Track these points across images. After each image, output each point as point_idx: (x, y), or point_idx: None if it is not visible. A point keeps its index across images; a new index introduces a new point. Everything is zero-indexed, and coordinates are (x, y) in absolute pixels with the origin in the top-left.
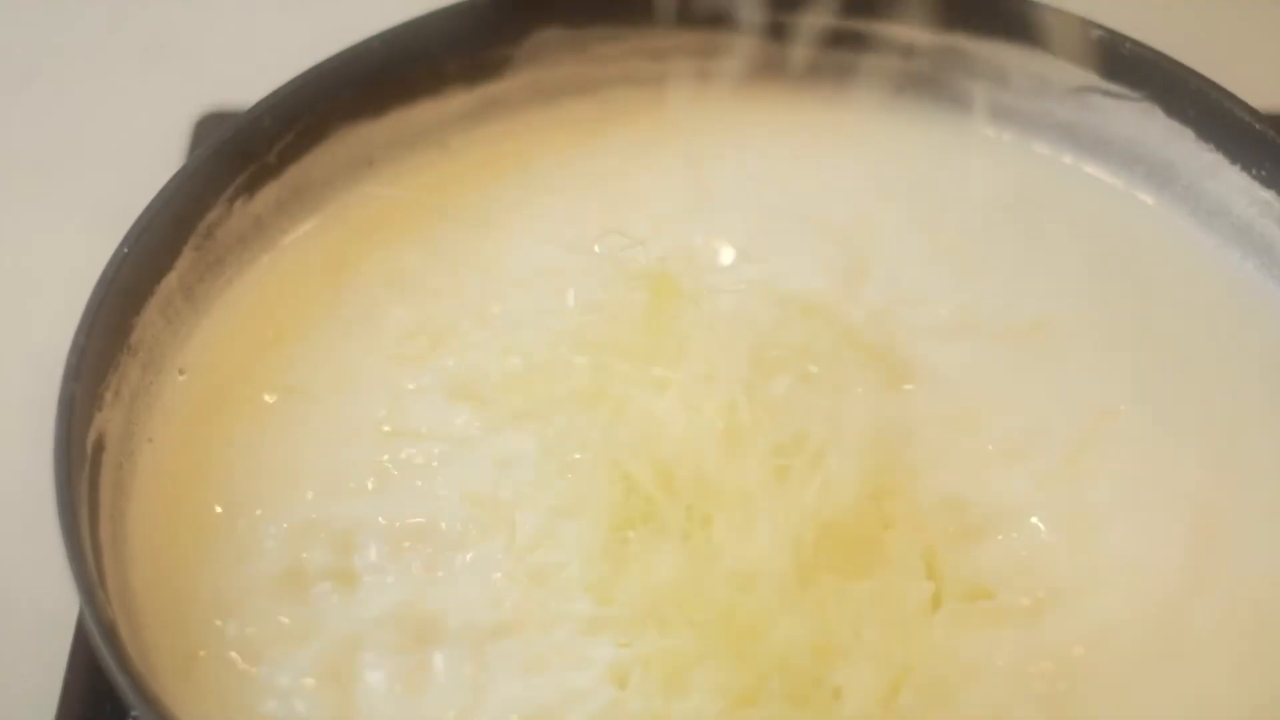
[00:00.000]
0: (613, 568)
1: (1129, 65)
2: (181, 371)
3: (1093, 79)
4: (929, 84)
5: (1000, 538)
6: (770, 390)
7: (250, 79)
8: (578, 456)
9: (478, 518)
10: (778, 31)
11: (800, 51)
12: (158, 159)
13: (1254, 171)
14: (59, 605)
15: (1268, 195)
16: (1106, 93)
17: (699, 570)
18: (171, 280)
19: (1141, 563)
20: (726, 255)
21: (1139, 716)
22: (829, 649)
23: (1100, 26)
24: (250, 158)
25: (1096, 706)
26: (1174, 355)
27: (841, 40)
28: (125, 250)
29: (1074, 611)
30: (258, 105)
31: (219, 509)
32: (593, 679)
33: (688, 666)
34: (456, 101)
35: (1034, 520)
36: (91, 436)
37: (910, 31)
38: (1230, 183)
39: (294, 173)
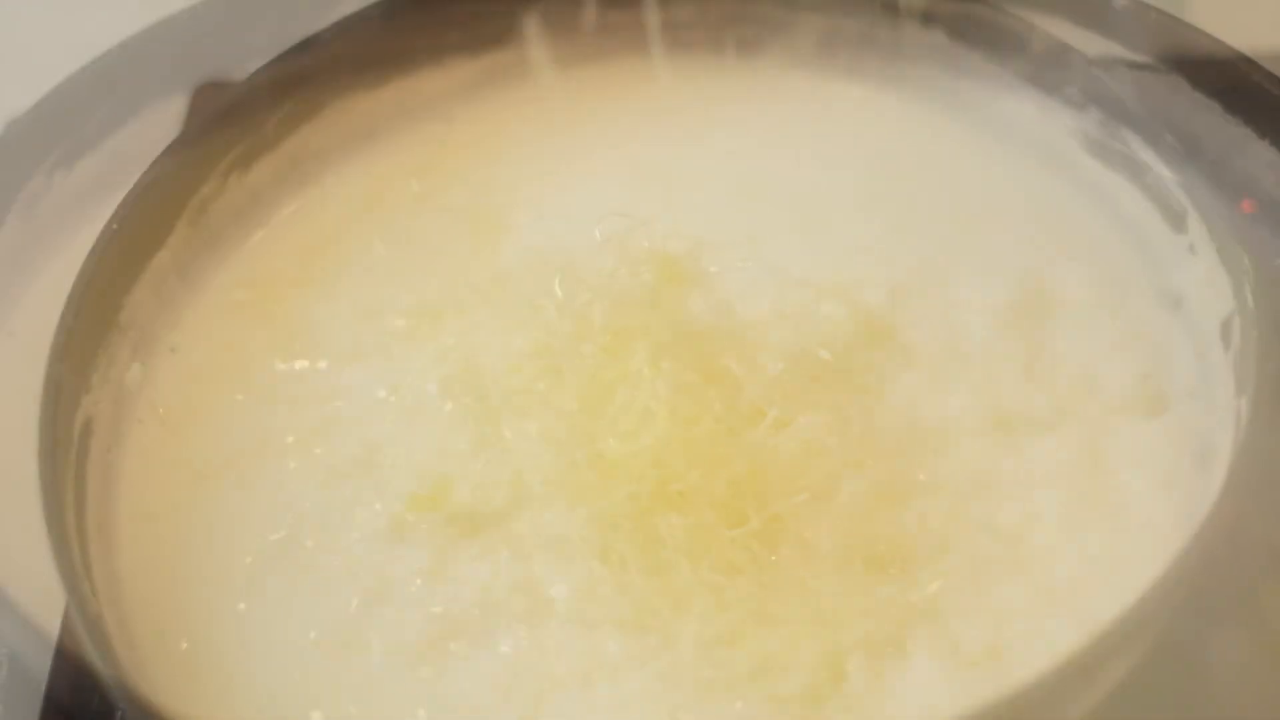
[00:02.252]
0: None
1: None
2: (174, 349)
3: (1116, 49)
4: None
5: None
6: (776, 374)
7: (248, 49)
8: (578, 442)
9: (475, 493)
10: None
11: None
12: (154, 130)
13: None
14: (48, 593)
15: (1054, 105)
16: (1131, 64)
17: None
18: (164, 257)
19: None
20: (733, 236)
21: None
22: None
23: None
24: (246, 130)
25: None
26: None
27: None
28: (114, 227)
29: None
30: (254, 76)
31: (211, 488)
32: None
33: None
34: (459, 72)
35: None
36: (79, 420)
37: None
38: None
39: (291, 145)
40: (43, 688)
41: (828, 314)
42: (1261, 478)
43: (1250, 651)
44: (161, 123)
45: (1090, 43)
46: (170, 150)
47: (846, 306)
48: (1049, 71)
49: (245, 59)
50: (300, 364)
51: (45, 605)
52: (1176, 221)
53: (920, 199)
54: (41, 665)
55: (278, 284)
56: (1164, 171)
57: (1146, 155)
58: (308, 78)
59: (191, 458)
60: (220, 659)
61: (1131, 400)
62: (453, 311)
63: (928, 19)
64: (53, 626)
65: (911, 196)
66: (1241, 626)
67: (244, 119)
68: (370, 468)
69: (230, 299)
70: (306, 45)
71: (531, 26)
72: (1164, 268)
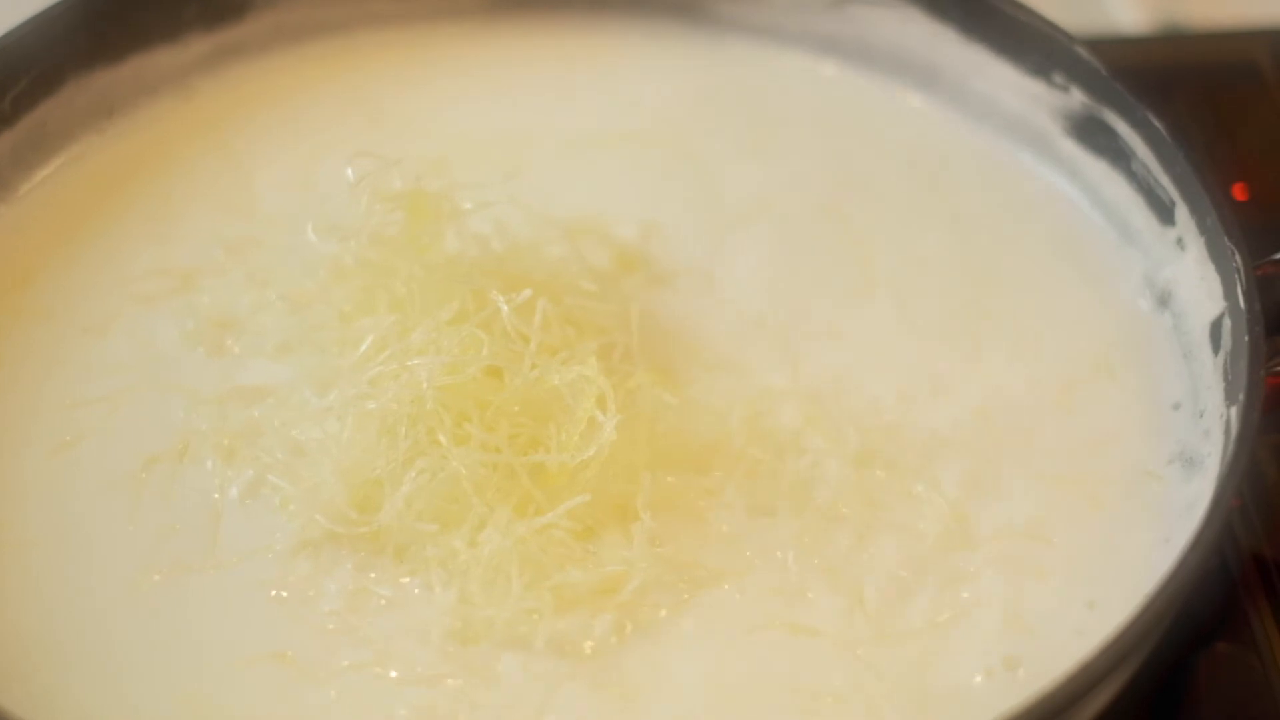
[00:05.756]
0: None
1: None
2: None
3: None
4: (684, 9)
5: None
6: (537, 307)
7: None
8: (337, 392)
9: (233, 448)
10: None
11: None
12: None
13: (1020, 64)
14: None
15: (1036, 87)
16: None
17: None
18: None
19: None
20: (486, 176)
21: None
22: None
23: None
24: None
25: None
26: (952, 244)
27: None
28: None
29: None
30: None
31: None
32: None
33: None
34: (196, 47)
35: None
36: None
37: None
38: (997, 78)
39: (29, 122)
40: None
41: (591, 250)
42: (1251, 493)
43: (1238, 669)
44: None
45: None
46: None
47: (607, 242)
48: (1029, 49)
49: None
50: (52, 330)
51: None
52: (1164, 213)
53: (670, 139)
54: None
55: (24, 257)
56: (1151, 158)
57: (1133, 140)
58: (42, 53)
59: None
60: None
61: (1108, 404)
62: (204, 271)
63: None
64: None
65: (661, 137)
66: (1230, 644)
67: None
68: (111, 420)
69: None
70: (38, 20)
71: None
72: (1150, 262)
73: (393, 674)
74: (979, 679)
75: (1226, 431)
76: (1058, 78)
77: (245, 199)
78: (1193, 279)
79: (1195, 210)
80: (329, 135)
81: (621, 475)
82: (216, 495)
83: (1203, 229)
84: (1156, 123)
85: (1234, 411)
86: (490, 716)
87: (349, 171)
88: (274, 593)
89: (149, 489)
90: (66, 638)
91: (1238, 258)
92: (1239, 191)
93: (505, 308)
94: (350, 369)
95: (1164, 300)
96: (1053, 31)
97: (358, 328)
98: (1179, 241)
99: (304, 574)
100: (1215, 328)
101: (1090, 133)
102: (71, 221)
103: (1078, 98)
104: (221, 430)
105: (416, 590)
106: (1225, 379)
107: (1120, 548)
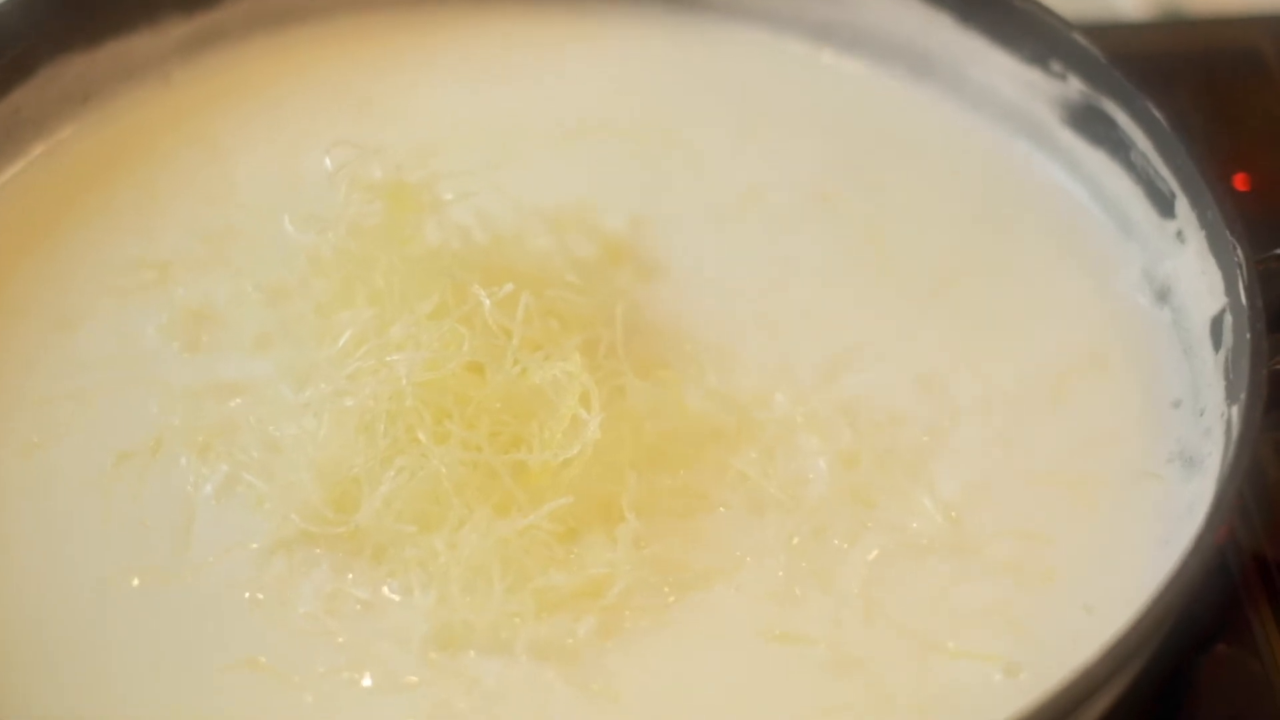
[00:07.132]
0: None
1: None
2: None
3: None
4: None
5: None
6: (520, 301)
7: None
8: (314, 387)
9: (208, 445)
10: None
11: None
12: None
13: (1017, 51)
14: None
15: (1033, 75)
16: None
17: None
18: None
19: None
20: (469, 165)
21: None
22: None
23: None
24: None
25: None
26: (945, 232)
27: None
28: None
29: None
30: None
31: None
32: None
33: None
34: (175, 31)
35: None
36: None
37: None
38: (994, 66)
39: (3, 110)
40: None
41: (575, 242)
42: (1252, 493)
43: (1239, 672)
44: None
45: None
46: None
47: (591, 233)
48: (1026, 36)
49: None
50: (27, 325)
51: None
52: (1164, 205)
53: (662, 126)
54: None
55: (0, 250)
56: (1150, 149)
57: (1132, 131)
58: (15, 37)
59: None
60: None
61: (1107, 401)
62: (181, 263)
63: None
64: None
65: (652, 124)
66: (1230, 646)
67: None
68: (83, 417)
69: None
70: (11, 2)
71: None
72: (1149, 255)
73: (370, 680)
74: (979, 685)
75: (1228, 431)
76: (1055, 66)
77: (224, 188)
78: (1193, 273)
79: (1196, 203)
80: (310, 123)
81: (606, 475)
82: (190, 493)
83: (1204, 222)
84: (1157, 112)
85: (1235, 410)
86: None
87: (327, 161)
88: (248, 595)
89: (121, 487)
90: (38, 641)
91: (1239, 252)
92: (1241, 181)
93: (487, 302)
94: (328, 364)
95: (1163, 295)
96: (1050, 18)
97: (336, 321)
98: (1179, 235)
99: (279, 575)
100: (1216, 324)
101: (1089, 122)
102: (46, 213)
103: (1076, 86)
104: (196, 426)
105: (395, 593)
106: (1226, 377)
107: (1119, 549)
